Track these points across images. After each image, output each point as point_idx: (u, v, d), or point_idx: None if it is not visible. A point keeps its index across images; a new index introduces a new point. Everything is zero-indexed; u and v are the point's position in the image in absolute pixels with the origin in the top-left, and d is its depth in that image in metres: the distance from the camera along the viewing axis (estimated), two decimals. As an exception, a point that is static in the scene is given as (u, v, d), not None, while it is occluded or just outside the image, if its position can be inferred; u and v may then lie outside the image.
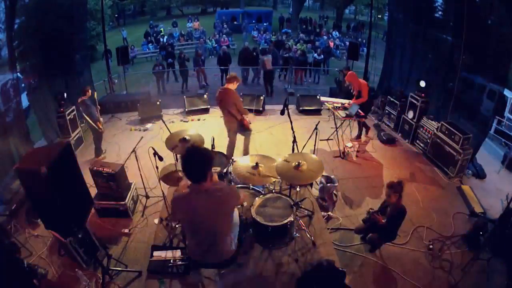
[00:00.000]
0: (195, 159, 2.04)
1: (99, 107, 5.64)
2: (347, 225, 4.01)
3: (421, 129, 5.79)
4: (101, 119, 5.50)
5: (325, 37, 15.78)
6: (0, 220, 3.83)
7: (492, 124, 6.02)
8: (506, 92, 6.13)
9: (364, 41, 14.39)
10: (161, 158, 3.49)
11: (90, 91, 5.29)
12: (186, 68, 10.13)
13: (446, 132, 5.11)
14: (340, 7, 23.19)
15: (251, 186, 3.50)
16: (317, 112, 7.51)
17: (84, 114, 5.21)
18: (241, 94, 7.83)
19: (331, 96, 7.78)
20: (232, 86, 4.55)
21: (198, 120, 7.29)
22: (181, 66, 10.08)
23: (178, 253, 2.85)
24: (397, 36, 7.82)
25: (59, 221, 2.43)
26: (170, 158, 3.80)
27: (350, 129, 6.16)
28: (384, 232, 3.35)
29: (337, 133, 5.72)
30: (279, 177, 3.15)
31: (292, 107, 7.60)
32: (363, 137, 6.25)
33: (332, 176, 4.43)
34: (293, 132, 3.75)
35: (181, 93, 9.72)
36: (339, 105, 5.85)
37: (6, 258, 2.86)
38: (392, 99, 6.73)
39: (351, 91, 5.89)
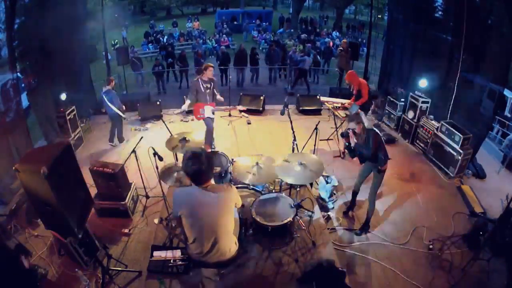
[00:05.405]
0: (199, 163, 2.05)
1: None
2: (347, 225, 4.02)
3: (421, 129, 5.80)
4: (123, 106, 5.90)
5: (327, 39, 15.74)
6: (0, 220, 3.83)
7: (492, 124, 6.01)
8: (506, 92, 6.12)
9: (364, 41, 14.38)
10: (161, 158, 3.49)
11: (114, 81, 5.81)
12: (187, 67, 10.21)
13: (446, 132, 5.11)
14: (340, 7, 23.15)
15: (251, 186, 3.50)
16: (317, 112, 7.51)
17: (108, 103, 5.59)
18: (240, 94, 7.88)
19: (331, 96, 7.79)
20: None
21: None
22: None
23: (178, 253, 2.84)
24: (397, 36, 7.81)
25: (59, 221, 2.43)
26: (170, 158, 3.80)
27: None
28: (371, 157, 3.47)
29: (337, 133, 5.72)
30: (279, 177, 3.15)
31: (292, 107, 7.60)
32: None
33: (332, 176, 4.43)
34: (293, 132, 3.75)
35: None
36: (339, 105, 5.85)
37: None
38: (392, 99, 6.73)
39: (351, 90, 5.89)
